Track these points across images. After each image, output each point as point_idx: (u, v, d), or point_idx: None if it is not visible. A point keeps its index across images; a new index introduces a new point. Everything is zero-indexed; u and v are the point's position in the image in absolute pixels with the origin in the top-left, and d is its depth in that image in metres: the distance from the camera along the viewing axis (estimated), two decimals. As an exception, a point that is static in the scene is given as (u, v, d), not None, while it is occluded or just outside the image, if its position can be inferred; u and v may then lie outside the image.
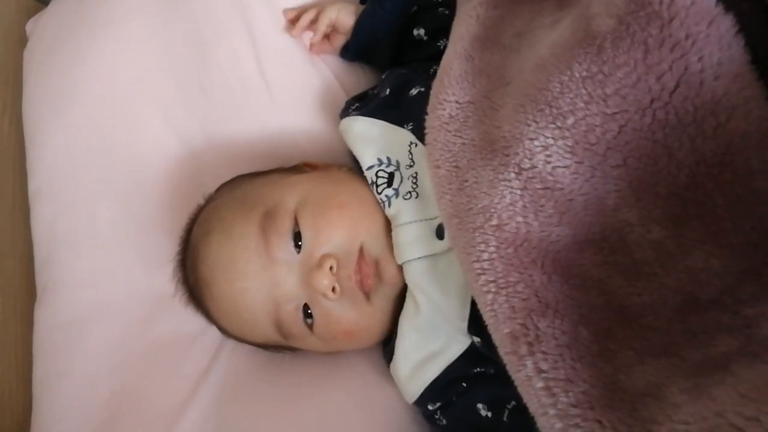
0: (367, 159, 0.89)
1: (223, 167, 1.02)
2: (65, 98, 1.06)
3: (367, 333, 0.88)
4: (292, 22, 1.04)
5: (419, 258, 0.82)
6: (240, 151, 1.05)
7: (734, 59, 0.56)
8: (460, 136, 0.75)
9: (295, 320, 0.85)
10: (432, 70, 0.91)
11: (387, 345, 0.91)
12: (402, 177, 0.86)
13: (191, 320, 1.00)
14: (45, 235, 1.06)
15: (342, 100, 1.04)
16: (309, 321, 0.85)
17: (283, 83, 1.05)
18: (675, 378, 0.58)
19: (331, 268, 0.81)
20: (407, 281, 0.83)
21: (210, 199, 0.97)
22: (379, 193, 0.86)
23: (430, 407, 0.86)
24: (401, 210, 0.84)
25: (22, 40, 1.14)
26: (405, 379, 0.86)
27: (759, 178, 0.58)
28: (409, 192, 0.84)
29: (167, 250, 1.00)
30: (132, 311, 1.02)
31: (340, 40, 1.05)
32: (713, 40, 0.56)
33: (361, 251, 0.84)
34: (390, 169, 0.87)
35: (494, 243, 0.67)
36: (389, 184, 0.86)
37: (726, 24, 0.56)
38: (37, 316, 1.03)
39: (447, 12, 0.95)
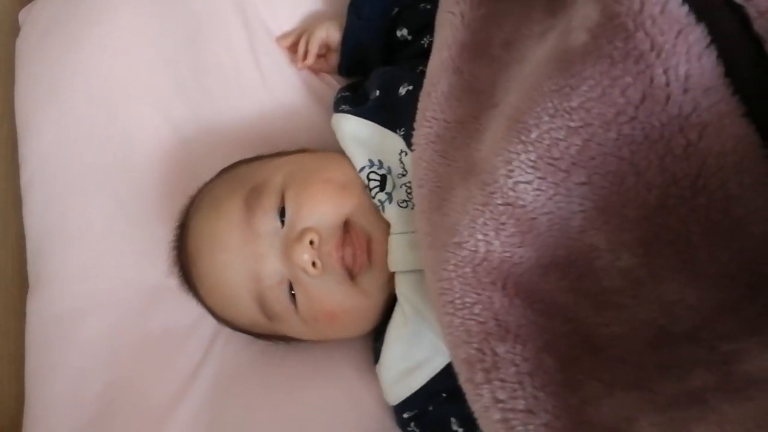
0: (358, 160, 0.86)
1: (217, 157, 1.00)
2: (58, 88, 1.04)
3: (351, 318, 0.85)
4: (291, 50, 1.02)
5: (410, 271, 0.79)
6: (234, 140, 1.03)
7: (705, 72, 0.52)
8: (446, 158, 0.72)
9: (278, 297, 0.83)
10: (419, 69, 0.87)
11: (374, 342, 0.89)
12: (395, 183, 0.83)
13: (185, 312, 0.99)
14: (37, 227, 1.05)
15: (335, 88, 1.02)
16: (293, 299, 0.83)
17: (277, 72, 1.02)
18: (646, 412, 0.55)
19: (312, 242, 0.79)
20: (397, 292, 0.81)
21: (209, 181, 0.96)
22: (373, 197, 0.84)
23: (405, 415, 0.84)
24: (394, 218, 0.81)
25: (15, 30, 1.13)
26: (387, 385, 0.84)
27: (737, 205, 0.54)
28: (405, 201, 0.81)
29: (161, 241, 0.99)
30: (125, 303, 1.01)
31: (335, 59, 1.02)
32: (680, 52, 0.52)
33: (348, 226, 0.82)
34: (382, 172, 0.84)
35: (453, 261, 0.63)
36: (382, 187, 0.83)
37: (696, 34, 0.52)
38: (29, 308, 1.03)
39: (429, 6, 0.91)
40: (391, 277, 0.82)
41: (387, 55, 0.99)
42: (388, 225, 0.82)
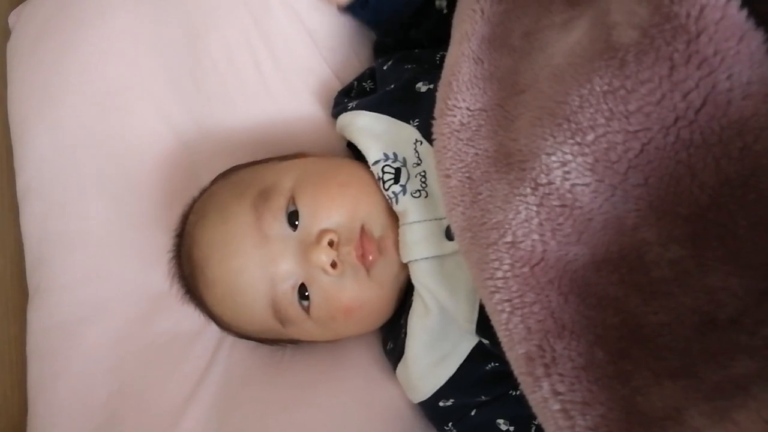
0: (372, 153, 0.87)
1: (217, 160, 0.99)
2: (53, 93, 1.02)
3: (367, 312, 0.85)
4: None
5: (426, 258, 0.80)
6: (235, 143, 1.02)
7: (764, 78, 0.53)
8: (473, 146, 0.72)
9: (291, 301, 0.83)
10: (438, 56, 0.88)
11: (387, 345, 0.90)
12: (409, 174, 0.84)
13: (190, 317, 0.99)
14: (36, 234, 1.03)
15: (337, 91, 1.02)
16: (305, 303, 0.83)
17: (278, 74, 1.01)
18: (694, 400, 0.57)
19: (330, 243, 0.80)
20: (414, 281, 0.82)
21: (205, 189, 0.95)
22: (386, 189, 0.84)
23: (441, 404, 0.84)
24: (409, 208, 0.82)
25: (5, 33, 1.10)
26: (416, 379, 0.84)
27: None
28: (419, 191, 0.82)
29: (163, 246, 0.98)
30: (128, 310, 1.01)
31: None
32: (743, 58, 0.53)
33: (362, 230, 0.82)
34: (396, 165, 0.85)
35: (508, 261, 0.65)
36: (396, 180, 0.84)
37: (757, 41, 0.53)
38: (30, 317, 1.01)
39: None
40: (403, 268, 0.83)
41: (415, 23, 0.96)
42: (397, 220, 0.83)
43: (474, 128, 0.73)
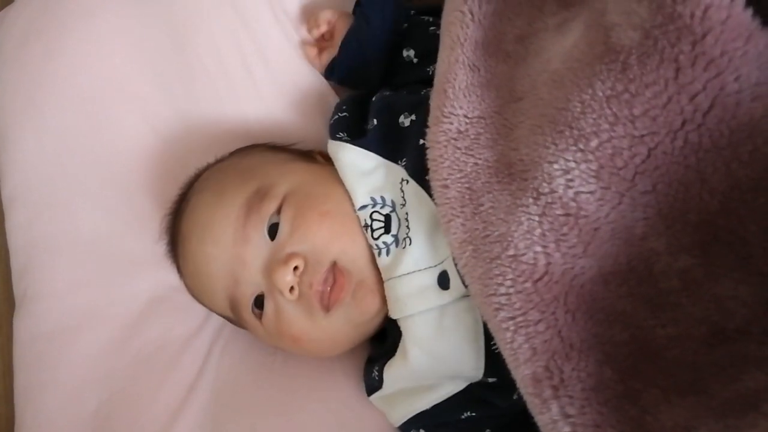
0: (359, 197, 0.83)
1: (205, 163, 0.96)
2: (38, 97, 1.00)
3: (315, 346, 0.84)
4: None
5: (423, 312, 0.77)
6: (223, 145, 0.99)
7: (773, 78, 0.52)
8: (473, 155, 0.69)
9: (246, 306, 0.84)
10: (423, 92, 0.85)
11: (368, 364, 0.88)
12: (399, 220, 0.80)
13: (180, 325, 0.97)
14: (22, 242, 1.01)
15: (327, 93, 1.00)
16: (258, 312, 0.83)
17: (267, 75, 1.00)
18: (704, 419, 0.56)
19: (296, 268, 0.78)
20: (406, 339, 0.79)
21: (221, 159, 0.95)
22: (376, 239, 0.80)
23: None
24: (400, 260, 0.78)
25: (-12, 38, 1.07)
26: (389, 406, 0.84)
27: None
28: (404, 239, 0.79)
29: (151, 252, 0.97)
30: (117, 317, 0.98)
31: (329, 55, 0.99)
32: (751, 58, 0.51)
33: (335, 267, 0.79)
34: (386, 211, 0.81)
35: (510, 276, 0.62)
36: (387, 229, 0.80)
37: (764, 40, 0.51)
38: (16, 326, 0.99)
39: (438, 32, 0.85)
40: (373, 320, 0.82)
41: (387, 74, 0.96)
42: (377, 269, 0.81)
43: (473, 136, 0.70)
